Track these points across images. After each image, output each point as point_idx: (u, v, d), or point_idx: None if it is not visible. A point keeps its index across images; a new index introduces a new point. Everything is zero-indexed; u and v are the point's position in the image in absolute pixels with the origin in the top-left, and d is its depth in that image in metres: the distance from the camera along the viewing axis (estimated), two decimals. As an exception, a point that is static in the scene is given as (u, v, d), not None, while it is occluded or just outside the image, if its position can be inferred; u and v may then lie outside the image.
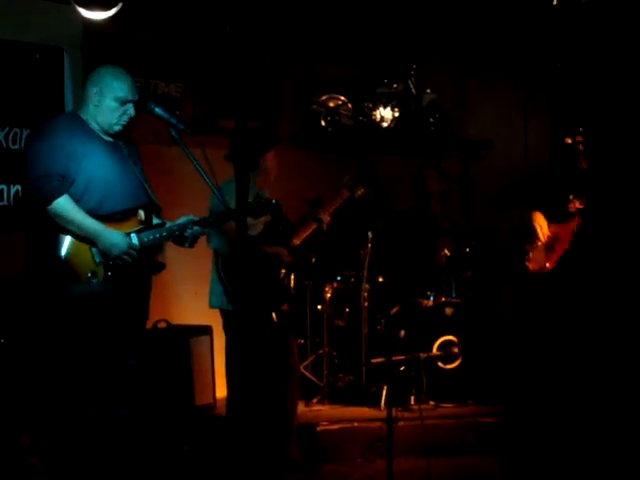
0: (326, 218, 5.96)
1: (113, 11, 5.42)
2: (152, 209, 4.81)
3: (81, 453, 4.52)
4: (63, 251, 4.47)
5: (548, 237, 5.74)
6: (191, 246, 4.82)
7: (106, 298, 4.55)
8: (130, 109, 4.69)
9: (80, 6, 5.41)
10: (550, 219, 5.79)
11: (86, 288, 4.50)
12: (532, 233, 5.78)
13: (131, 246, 4.57)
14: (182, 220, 4.77)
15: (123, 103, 4.66)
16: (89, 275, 4.49)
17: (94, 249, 4.52)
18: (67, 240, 4.48)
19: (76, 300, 4.49)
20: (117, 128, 4.71)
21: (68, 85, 5.99)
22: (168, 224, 4.76)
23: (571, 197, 5.69)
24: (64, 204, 4.44)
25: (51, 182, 4.43)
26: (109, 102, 4.64)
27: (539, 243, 5.74)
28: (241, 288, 5.34)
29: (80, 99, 4.80)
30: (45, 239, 4.50)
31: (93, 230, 4.49)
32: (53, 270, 4.47)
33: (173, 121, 4.63)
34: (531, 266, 5.83)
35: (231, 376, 5.61)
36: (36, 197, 4.45)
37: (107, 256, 4.52)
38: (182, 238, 4.77)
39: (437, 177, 7.47)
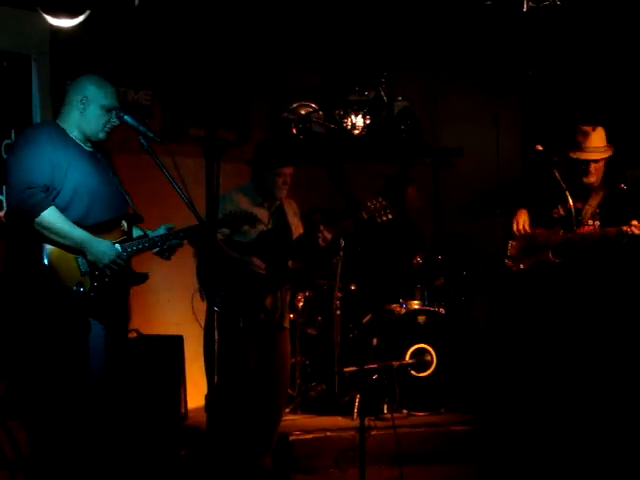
0: (328, 235, 5.74)
1: (81, 18, 5.36)
2: (134, 220, 4.77)
3: (54, 462, 4.47)
4: (48, 262, 4.42)
5: (525, 233, 5.74)
6: (169, 258, 4.81)
7: (92, 308, 4.51)
8: (114, 117, 4.68)
9: (47, 13, 5.35)
10: (536, 223, 5.78)
11: (72, 298, 4.45)
12: (512, 228, 5.80)
13: (119, 255, 4.55)
14: (162, 231, 4.76)
15: (108, 111, 4.65)
16: (75, 286, 4.45)
17: (80, 259, 4.48)
18: (52, 251, 4.43)
19: (62, 310, 4.44)
20: (102, 136, 4.69)
21: (36, 93, 5.92)
22: (150, 235, 4.74)
23: (558, 204, 5.69)
24: (51, 216, 4.40)
25: (37, 194, 4.38)
26: (94, 110, 4.63)
27: (518, 238, 5.75)
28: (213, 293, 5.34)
29: (60, 108, 4.75)
30: (30, 251, 4.44)
31: (82, 240, 4.46)
32: (39, 281, 4.42)
33: (142, 129, 4.59)
34: (508, 263, 5.85)
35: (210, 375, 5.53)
36: (22, 210, 4.40)
37: (94, 266, 4.49)
38: (162, 250, 4.76)
39: (416, 193, 7.46)
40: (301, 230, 5.87)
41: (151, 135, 4.58)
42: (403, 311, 6.80)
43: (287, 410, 6.61)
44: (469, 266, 7.28)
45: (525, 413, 5.66)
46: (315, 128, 7.46)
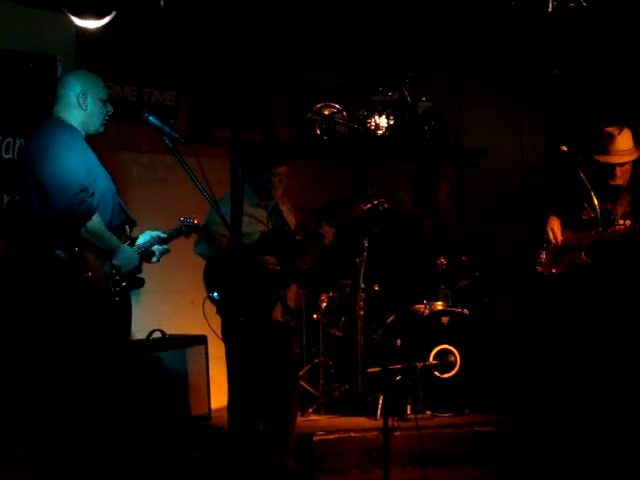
0: (330, 233, 5.80)
1: (106, 20, 5.39)
2: (132, 224, 4.79)
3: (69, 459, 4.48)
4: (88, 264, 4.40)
5: (560, 241, 5.68)
6: (158, 261, 4.85)
7: (111, 309, 4.54)
8: (109, 107, 4.70)
9: (74, 15, 5.38)
10: (566, 226, 5.72)
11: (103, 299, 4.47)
12: (544, 236, 5.73)
13: (140, 261, 4.60)
14: (146, 237, 4.77)
15: (104, 102, 4.67)
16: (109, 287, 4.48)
17: (106, 262, 4.50)
18: (90, 255, 4.42)
19: (88, 309, 4.43)
20: (101, 130, 4.71)
21: (62, 94, 5.95)
22: (140, 240, 4.75)
23: (585, 205, 5.62)
24: (99, 221, 4.42)
25: (87, 198, 4.38)
26: (95, 104, 4.64)
27: (551, 245, 5.70)
28: (225, 295, 5.36)
29: (55, 108, 4.70)
30: (71, 253, 4.39)
31: (115, 245, 4.50)
32: (78, 283, 4.39)
33: (167, 130, 4.58)
34: (539, 269, 5.79)
35: (231, 381, 5.56)
36: (74, 214, 4.33)
37: (118, 270, 4.52)
38: (149, 255, 4.79)
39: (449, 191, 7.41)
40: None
41: (176, 136, 4.57)
42: (427, 312, 6.78)
43: (310, 410, 6.63)
44: (493, 268, 7.26)
45: (553, 414, 5.62)
46: (339, 128, 7.46)
